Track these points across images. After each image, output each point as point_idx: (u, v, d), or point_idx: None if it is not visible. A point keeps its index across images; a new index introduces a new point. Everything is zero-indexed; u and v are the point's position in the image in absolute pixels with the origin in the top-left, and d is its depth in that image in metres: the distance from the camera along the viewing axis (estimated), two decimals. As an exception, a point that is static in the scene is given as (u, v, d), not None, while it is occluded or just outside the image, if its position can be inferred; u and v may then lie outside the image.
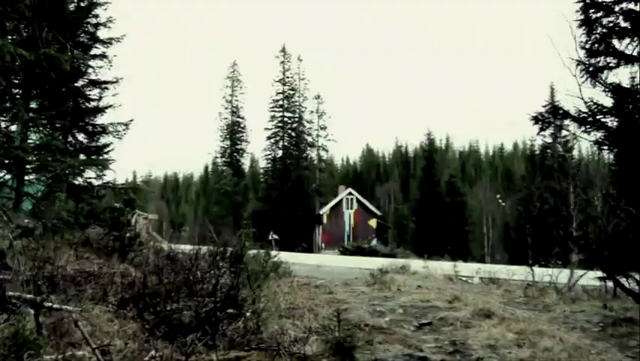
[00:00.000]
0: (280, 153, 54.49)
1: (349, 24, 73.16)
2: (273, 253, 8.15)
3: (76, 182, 11.21)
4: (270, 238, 32.14)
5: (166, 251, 7.98)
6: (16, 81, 10.62)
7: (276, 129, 54.71)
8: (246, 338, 4.72)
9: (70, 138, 12.44)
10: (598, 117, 8.39)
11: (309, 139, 55.08)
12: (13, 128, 10.74)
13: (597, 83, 8.48)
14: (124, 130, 12.79)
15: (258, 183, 62.30)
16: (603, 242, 8.60)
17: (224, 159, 59.17)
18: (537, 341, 5.30)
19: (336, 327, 4.89)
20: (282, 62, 54.79)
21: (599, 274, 9.58)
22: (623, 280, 7.79)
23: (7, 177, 10.31)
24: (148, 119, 45.32)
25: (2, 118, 10.32)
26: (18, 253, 5.52)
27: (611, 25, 8.34)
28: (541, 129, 9.32)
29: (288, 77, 54.50)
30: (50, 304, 4.38)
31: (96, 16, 12.64)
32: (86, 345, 3.85)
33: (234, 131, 58.81)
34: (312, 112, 55.41)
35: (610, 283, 9.30)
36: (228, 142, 58.70)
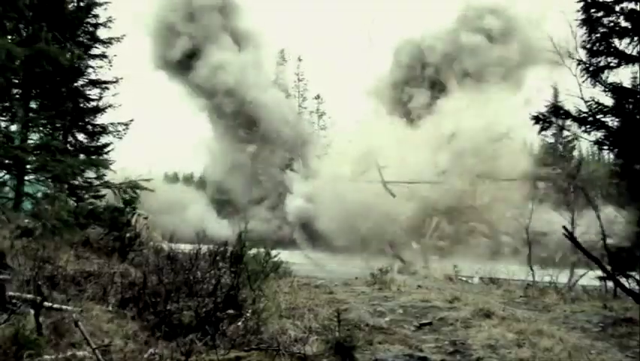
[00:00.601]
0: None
1: (349, 24, 73.19)
2: (274, 252, 8.16)
3: (76, 182, 11.21)
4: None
5: (166, 251, 7.99)
6: (16, 81, 10.62)
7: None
8: (246, 338, 4.72)
9: (70, 138, 12.46)
10: (598, 117, 8.37)
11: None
12: (13, 128, 10.74)
13: (597, 83, 8.48)
14: (124, 130, 12.83)
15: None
16: (603, 242, 8.61)
17: (223, 158, 58.93)
18: (537, 341, 5.30)
19: (336, 327, 4.88)
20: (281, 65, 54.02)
21: (599, 273, 9.59)
22: (623, 280, 7.80)
23: (7, 177, 10.32)
24: (148, 119, 45.00)
25: (2, 118, 10.33)
26: (18, 253, 5.53)
27: (611, 24, 8.33)
28: (542, 129, 9.29)
29: (281, 80, 53.44)
30: (50, 304, 4.38)
31: (96, 16, 12.68)
32: (86, 345, 3.84)
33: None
34: (311, 112, 55.19)
35: (610, 283, 9.31)
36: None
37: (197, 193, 38.00)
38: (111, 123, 12.70)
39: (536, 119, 9.04)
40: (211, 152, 37.84)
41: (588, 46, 8.50)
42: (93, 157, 12.16)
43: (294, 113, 40.46)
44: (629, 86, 8.44)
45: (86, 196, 11.25)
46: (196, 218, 29.45)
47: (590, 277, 10.75)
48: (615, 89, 8.31)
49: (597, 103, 8.35)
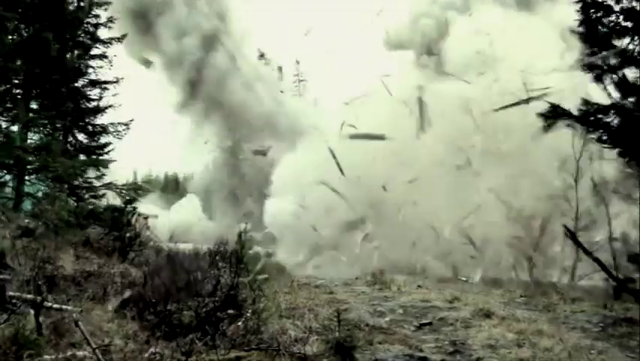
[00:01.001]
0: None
1: (349, 24, 73.17)
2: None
3: (77, 182, 11.23)
4: None
5: (166, 251, 8.00)
6: (17, 81, 10.63)
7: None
8: (247, 338, 4.72)
9: (70, 138, 12.46)
10: (599, 116, 8.37)
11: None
12: (14, 128, 10.76)
13: (598, 82, 8.48)
14: (124, 130, 12.84)
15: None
16: (609, 241, 8.60)
17: (223, 158, 58.90)
18: (537, 341, 5.30)
19: (337, 327, 4.88)
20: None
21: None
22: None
23: (8, 177, 10.34)
24: (148, 119, 44.74)
25: (3, 118, 10.34)
26: (18, 253, 5.53)
27: (612, 24, 8.32)
28: (546, 128, 9.27)
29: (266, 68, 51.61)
30: (50, 304, 4.38)
31: (96, 16, 12.68)
32: (86, 345, 3.85)
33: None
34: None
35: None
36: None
37: (194, 193, 37.69)
38: (111, 123, 12.71)
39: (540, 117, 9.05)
40: (193, 148, 37.18)
41: (588, 46, 8.50)
42: (93, 157, 12.18)
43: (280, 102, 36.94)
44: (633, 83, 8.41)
45: (86, 196, 11.26)
46: (189, 219, 29.36)
47: (590, 277, 10.73)
48: (619, 84, 8.28)
49: (593, 103, 8.36)
